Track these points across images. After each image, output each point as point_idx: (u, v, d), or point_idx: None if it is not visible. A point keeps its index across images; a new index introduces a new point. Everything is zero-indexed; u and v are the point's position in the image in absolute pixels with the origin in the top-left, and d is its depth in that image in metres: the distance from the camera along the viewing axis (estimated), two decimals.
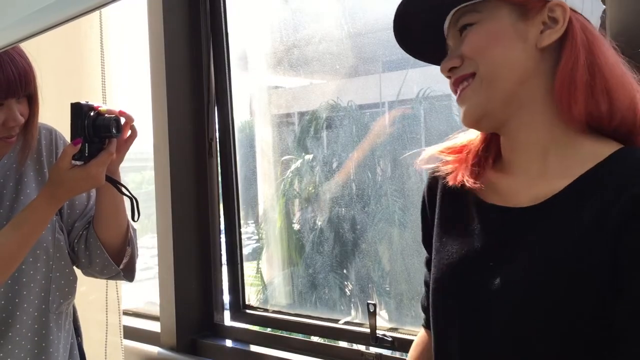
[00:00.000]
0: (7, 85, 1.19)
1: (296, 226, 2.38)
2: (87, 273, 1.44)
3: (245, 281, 2.14)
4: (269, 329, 2.05)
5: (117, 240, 1.38)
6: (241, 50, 2.20)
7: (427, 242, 1.02)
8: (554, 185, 0.81)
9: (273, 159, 2.31)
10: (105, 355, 2.00)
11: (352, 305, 2.33)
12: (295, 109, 2.34)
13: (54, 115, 1.42)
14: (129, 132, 1.33)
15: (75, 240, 1.38)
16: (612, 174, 0.77)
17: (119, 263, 1.39)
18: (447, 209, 0.96)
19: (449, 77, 0.88)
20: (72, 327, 1.44)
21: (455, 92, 0.88)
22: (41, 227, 1.25)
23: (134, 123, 1.32)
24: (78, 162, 1.23)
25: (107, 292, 1.99)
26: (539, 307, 0.76)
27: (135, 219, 1.37)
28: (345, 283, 2.25)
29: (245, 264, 2.15)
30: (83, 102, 1.27)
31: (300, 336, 1.91)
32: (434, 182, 0.99)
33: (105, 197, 1.35)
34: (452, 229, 0.93)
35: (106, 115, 1.27)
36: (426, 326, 1.06)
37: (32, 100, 1.29)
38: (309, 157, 2.29)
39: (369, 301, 1.69)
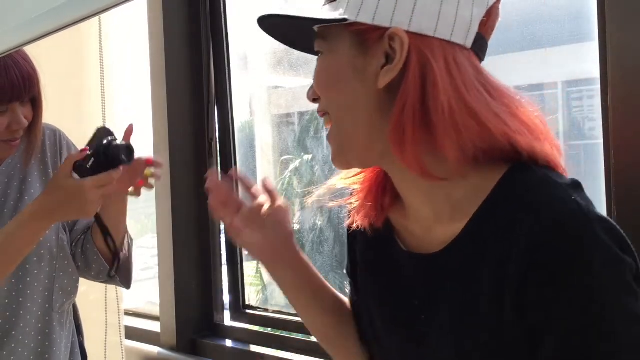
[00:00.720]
0: (12, 90, 1.19)
1: (296, 226, 2.38)
2: (83, 276, 1.45)
3: (245, 281, 2.14)
4: (269, 329, 2.05)
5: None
6: (241, 50, 2.20)
7: (351, 275, 0.98)
8: (453, 228, 0.73)
9: (273, 159, 2.31)
10: (105, 355, 2.00)
11: None
12: (295, 109, 2.34)
13: (52, 116, 1.42)
14: (148, 177, 1.33)
15: (73, 244, 1.39)
16: (503, 210, 0.69)
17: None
18: (368, 251, 0.89)
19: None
20: (74, 325, 1.45)
21: None
22: (30, 244, 1.23)
23: (153, 171, 1.32)
24: (76, 176, 1.21)
25: (107, 292, 1.99)
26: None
27: (112, 273, 1.38)
28: (345, 283, 2.24)
29: (245, 264, 2.15)
30: (109, 129, 1.28)
31: (300, 336, 1.91)
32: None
33: (109, 212, 1.35)
34: (374, 274, 0.87)
35: (123, 142, 1.26)
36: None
37: (35, 103, 1.29)
38: (307, 157, 2.29)
39: None
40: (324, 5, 0.74)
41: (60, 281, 1.36)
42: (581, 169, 1.57)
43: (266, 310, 2.07)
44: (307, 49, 0.80)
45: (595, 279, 0.63)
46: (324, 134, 2.23)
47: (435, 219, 0.76)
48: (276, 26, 0.79)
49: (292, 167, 2.33)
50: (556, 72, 1.66)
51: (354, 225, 0.85)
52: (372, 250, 0.87)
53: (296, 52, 2.15)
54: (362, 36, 0.71)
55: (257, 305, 2.13)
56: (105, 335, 2.01)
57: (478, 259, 0.70)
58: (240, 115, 2.19)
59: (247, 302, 2.12)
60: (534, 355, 0.66)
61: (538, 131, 0.72)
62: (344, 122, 0.74)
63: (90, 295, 1.96)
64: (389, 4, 0.69)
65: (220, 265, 2.15)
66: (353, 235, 0.93)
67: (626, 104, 1.26)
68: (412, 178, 0.74)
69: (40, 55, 1.32)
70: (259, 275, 2.56)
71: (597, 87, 1.32)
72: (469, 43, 0.71)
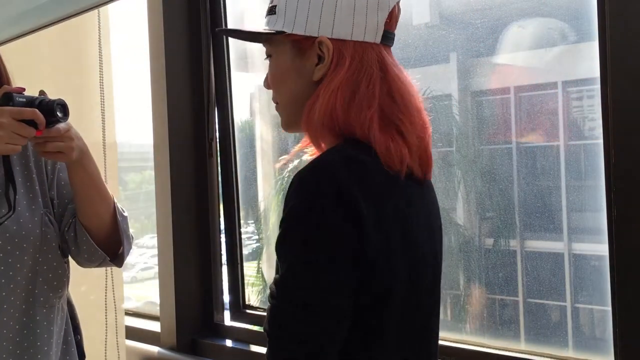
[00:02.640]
0: None
1: None
2: (78, 262, 1.43)
3: (246, 281, 2.14)
4: None
5: (102, 227, 1.36)
6: (241, 50, 2.20)
7: None
8: None
9: (273, 158, 2.31)
10: (105, 355, 2.01)
11: None
12: None
13: None
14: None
15: (66, 229, 1.38)
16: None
17: (108, 250, 1.37)
18: None
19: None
20: (70, 324, 1.44)
21: None
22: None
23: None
24: None
25: (106, 292, 1.99)
26: None
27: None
28: None
29: (246, 264, 2.15)
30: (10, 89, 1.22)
31: None
32: None
33: (74, 181, 1.32)
34: None
35: (49, 98, 1.22)
36: None
37: None
38: (307, 157, 2.29)
39: None
40: (267, 15, 0.97)
41: (44, 275, 1.34)
42: (581, 169, 1.57)
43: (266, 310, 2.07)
44: (250, 40, 1.12)
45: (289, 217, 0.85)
46: None
47: None
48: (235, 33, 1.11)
49: (291, 166, 2.33)
50: (556, 72, 1.66)
51: None
52: None
53: None
54: (299, 43, 0.95)
55: (257, 305, 2.13)
56: (105, 335, 2.01)
57: None
58: (240, 115, 2.19)
59: (247, 302, 2.13)
60: None
61: (404, 121, 0.93)
62: (286, 106, 1.01)
63: (90, 295, 1.96)
64: (315, 19, 0.93)
65: (221, 265, 2.15)
66: None
67: (626, 104, 1.26)
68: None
69: (40, 52, 1.32)
70: (259, 275, 2.56)
71: (597, 87, 1.32)
72: (378, 39, 0.94)
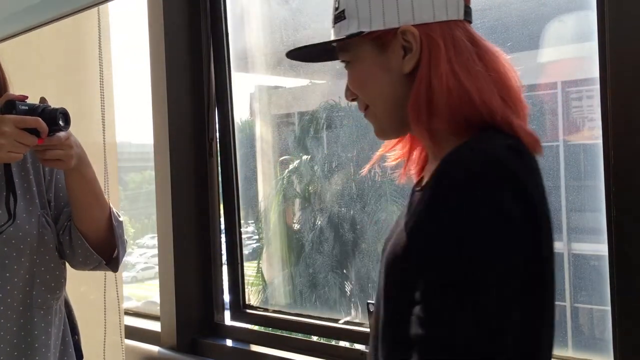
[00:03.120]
0: None
1: (296, 226, 2.38)
2: (73, 265, 1.42)
3: (246, 281, 2.14)
4: (269, 329, 2.05)
5: (98, 232, 1.36)
6: (241, 50, 2.21)
7: None
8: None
9: (273, 159, 2.31)
10: (105, 355, 2.01)
11: (352, 305, 2.33)
12: (295, 109, 2.34)
13: None
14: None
15: (61, 232, 1.38)
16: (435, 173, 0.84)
17: (104, 254, 1.37)
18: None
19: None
20: (67, 325, 1.44)
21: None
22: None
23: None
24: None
25: (106, 292, 1.99)
26: (388, 276, 0.88)
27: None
28: (345, 283, 2.25)
29: (246, 264, 2.15)
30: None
31: (300, 336, 1.91)
32: None
33: (71, 187, 1.32)
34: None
35: (51, 106, 1.21)
36: None
37: None
38: (306, 157, 2.29)
39: (368, 301, 1.69)
40: (335, 24, 0.92)
41: (41, 276, 1.33)
42: (581, 169, 1.57)
43: (266, 310, 2.07)
44: (321, 59, 1.04)
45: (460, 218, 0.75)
46: (324, 134, 2.24)
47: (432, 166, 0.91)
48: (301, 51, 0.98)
49: (291, 167, 2.33)
50: (556, 72, 1.66)
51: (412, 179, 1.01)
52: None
53: None
54: (380, 40, 0.89)
55: (257, 305, 2.13)
56: (105, 335, 2.01)
57: (421, 201, 0.85)
58: (240, 115, 2.19)
59: (247, 302, 2.13)
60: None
61: (513, 100, 0.87)
62: (379, 107, 0.93)
63: (90, 295, 1.96)
64: (392, 9, 0.87)
65: (221, 265, 2.15)
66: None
67: (626, 104, 1.26)
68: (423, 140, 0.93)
69: (40, 54, 1.32)
70: (259, 275, 2.56)
71: (597, 87, 1.33)
72: (461, 15, 0.88)
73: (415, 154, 1.01)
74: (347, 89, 0.96)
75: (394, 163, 1.02)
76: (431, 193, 0.81)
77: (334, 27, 0.93)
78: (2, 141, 1.16)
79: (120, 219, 1.41)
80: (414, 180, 1.01)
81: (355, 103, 0.97)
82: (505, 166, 0.77)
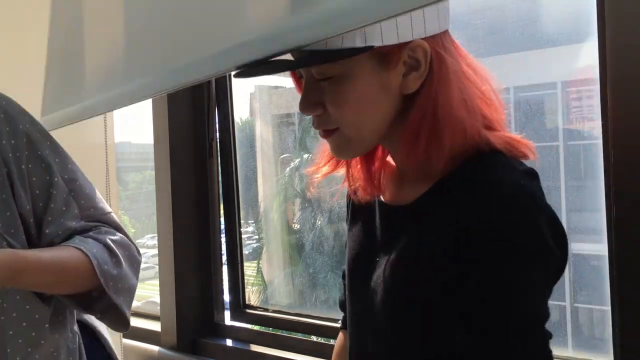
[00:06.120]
0: None
1: (296, 226, 2.39)
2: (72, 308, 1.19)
3: (246, 281, 2.14)
4: (269, 329, 2.05)
5: (82, 289, 1.09)
6: None
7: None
8: (419, 188, 0.83)
9: (273, 158, 2.31)
10: None
11: None
12: (295, 109, 2.34)
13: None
14: None
15: None
16: (460, 181, 0.78)
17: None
18: (356, 210, 0.98)
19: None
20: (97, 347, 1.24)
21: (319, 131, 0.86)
22: None
23: None
24: None
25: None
26: (399, 297, 0.82)
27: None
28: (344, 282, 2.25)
29: (246, 264, 2.15)
30: None
31: (300, 336, 1.91)
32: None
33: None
34: (356, 226, 0.96)
35: None
36: (343, 327, 1.09)
37: None
38: (307, 156, 2.29)
39: None
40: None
41: (14, 325, 1.01)
42: (581, 169, 1.57)
43: (266, 310, 2.07)
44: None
45: (518, 261, 0.73)
46: None
47: (413, 179, 0.85)
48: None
49: (292, 166, 2.33)
50: (556, 72, 1.66)
51: (356, 200, 0.93)
52: (360, 211, 0.96)
53: None
54: (386, 55, 0.77)
55: (257, 305, 2.13)
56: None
57: (429, 218, 0.79)
58: (240, 115, 2.19)
59: (247, 302, 2.13)
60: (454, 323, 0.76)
61: (495, 107, 0.83)
62: (361, 131, 0.81)
63: None
64: (406, 21, 0.75)
65: (221, 264, 2.15)
66: (348, 204, 1.02)
67: (626, 104, 1.26)
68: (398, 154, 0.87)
69: (40, 54, 1.32)
70: (259, 275, 2.56)
71: (597, 87, 1.33)
72: (448, 22, 0.80)
73: (366, 168, 0.92)
74: (310, 102, 0.81)
75: (321, 178, 0.95)
76: (482, 229, 0.74)
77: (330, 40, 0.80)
78: None
79: (114, 272, 1.12)
80: (364, 195, 0.92)
81: None
82: (541, 200, 0.76)
